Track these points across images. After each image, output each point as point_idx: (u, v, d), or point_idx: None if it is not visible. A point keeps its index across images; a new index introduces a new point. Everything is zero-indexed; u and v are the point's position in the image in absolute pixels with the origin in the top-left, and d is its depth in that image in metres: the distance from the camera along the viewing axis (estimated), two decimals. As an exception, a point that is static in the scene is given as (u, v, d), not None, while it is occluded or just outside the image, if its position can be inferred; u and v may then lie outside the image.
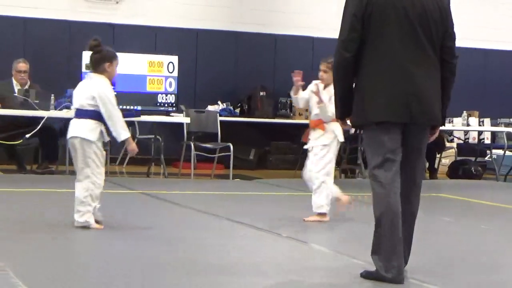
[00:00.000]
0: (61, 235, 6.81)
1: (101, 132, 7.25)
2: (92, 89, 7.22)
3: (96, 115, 7.19)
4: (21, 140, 11.97)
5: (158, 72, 13.07)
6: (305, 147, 8.33)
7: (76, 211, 7.12)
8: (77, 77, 12.67)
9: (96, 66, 7.33)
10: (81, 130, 7.18)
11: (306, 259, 6.35)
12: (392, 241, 5.15)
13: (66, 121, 12.63)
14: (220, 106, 15.20)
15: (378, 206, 5.20)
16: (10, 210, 8.29)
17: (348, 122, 5.51)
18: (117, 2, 15.18)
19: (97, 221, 7.16)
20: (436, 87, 5.33)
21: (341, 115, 5.48)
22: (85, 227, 7.05)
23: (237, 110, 15.46)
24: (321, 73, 8.18)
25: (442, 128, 16.74)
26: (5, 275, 5.04)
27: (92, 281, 5.10)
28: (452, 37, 5.41)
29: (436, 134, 5.58)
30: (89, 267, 5.63)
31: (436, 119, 5.39)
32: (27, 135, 11.80)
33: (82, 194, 7.11)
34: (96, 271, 5.46)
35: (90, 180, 7.14)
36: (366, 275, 5.36)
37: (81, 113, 7.24)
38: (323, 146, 8.09)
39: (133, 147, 7.47)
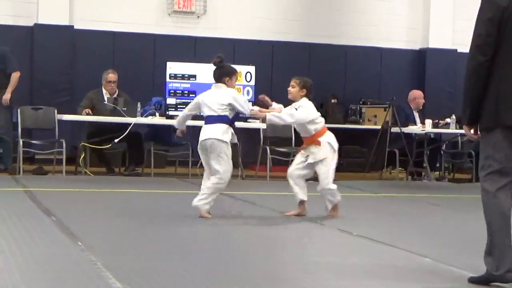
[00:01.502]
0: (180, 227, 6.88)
1: (232, 134, 7.75)
2: (224, 98, 7.80)
3: (227, 119, 7.79)
4: (110, 145, 12.12)
5: (237, 81, 13.05)
6: (308, 161, 8.24)
7: (199, 195, 7.75)
8: (162, 87, 12.87)
9: (218, 80, 8.00)
10: (216, 132, 7.74)
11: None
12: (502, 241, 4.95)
13: (151, 127, 12.85)
14: (294, 113, 15.16)
15: (488, 212, 5.02)
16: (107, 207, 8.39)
17: (471, 131, 5.20)
18: (198, 17, 15.28)
19: (208, 212, 7.71)
20: None
21: (470, 121, 5.15)
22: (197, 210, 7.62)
23: (310, 116, 15.41)
24: (289, 88, 8.44)
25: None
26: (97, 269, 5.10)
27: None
28: None
29: None
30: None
31: None
32: (116, 140, 11.95)
33: (209, 184, 7.70)
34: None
35: (219, 175, 7.70)
36: (475, 280, 5.11)
37: (214, 119, 7.82)
38: (323, 160, 8.12)
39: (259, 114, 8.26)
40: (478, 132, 5.15)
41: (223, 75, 7.95)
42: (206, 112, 7.93)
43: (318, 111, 15.17)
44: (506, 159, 5.01)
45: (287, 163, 13.25)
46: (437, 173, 14.29)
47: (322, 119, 8.34)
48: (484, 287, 4.98)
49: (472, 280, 5.10)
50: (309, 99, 8.25)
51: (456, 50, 15.84)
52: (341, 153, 15.33)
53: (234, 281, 4.96)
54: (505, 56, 4.99)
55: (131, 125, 11.92)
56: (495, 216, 4.98)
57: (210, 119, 7.85)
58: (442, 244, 6.90)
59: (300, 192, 8.14)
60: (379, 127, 14.28)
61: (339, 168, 15.06)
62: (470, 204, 10.31)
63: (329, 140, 8.15)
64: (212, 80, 12.93)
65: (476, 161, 14.10)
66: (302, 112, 8.10)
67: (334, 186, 8.16)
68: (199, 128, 13.22)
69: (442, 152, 14.44)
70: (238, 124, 12.86)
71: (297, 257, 6.11)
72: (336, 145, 8.26)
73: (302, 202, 8.17)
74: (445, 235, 7.39)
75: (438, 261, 5.91)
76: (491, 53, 4.98)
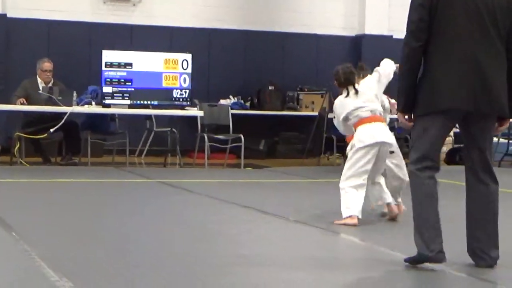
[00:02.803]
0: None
1: None
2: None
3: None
4: (45, 134, 11.98)
5: (173, 69, 13.04)
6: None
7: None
8: (98, 75, 12.74)
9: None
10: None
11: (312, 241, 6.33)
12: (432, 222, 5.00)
13: (87, 116, 12.73)
14: (231, 100, 15.19)
15: (416, 194, 5.04)
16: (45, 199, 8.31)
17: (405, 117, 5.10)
18: (134, 5, 15.15)
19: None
20: (502, 77, 5.00)
21: (404, 108, 5.11)
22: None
23: (248, 104, 15.45)
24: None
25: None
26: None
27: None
28: None
29: (506, 126, 5.20)
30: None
31: (503, 110, 5.02)
32: (52, 130, 11.82)
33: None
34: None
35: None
36: (410, 260, 5.13)
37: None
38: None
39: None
40: (412, 119, 5.10)
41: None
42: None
43: (255, 98, 15.43)
44: (436, 143, 5.03)
45: (225, 151, 13.34)
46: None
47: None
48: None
49: (407, 260, 5.15)
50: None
51: (392, 36, 15.96)
52: (278, 139, 15.56)
53: (172, 271, 4.94)
54: (438, 42, 4.97)
55: (67, 115, 11.79)
56: (423, 198, 5.02)
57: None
58: (382, 228, 6.97)
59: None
60: (316, 113, 14.37)
61: (276, 155, 15.27)
62: (406, 187, 10.45)
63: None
64: (149, 68, 12.96)
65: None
66: None
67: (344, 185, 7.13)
68: (138, 116, 13.29)
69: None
70: (175, 111, 12.93)
71: (234, 246, 6.12)
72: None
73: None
74: (382, 218, 7.45)
75: (378, 245, 5.97)
76: (424, 38, 4.97)
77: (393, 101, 7.46)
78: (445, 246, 5.00)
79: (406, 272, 5.09)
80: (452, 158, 15.05)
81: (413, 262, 5.10)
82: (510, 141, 15.11)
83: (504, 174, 13.32)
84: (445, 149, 15.40)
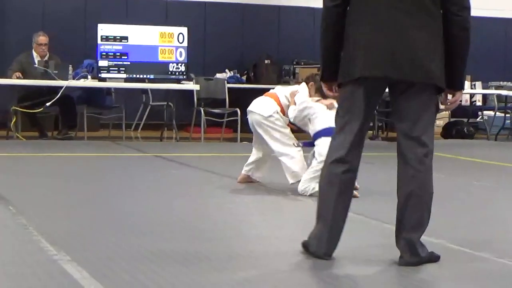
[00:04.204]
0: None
1: None
2: None
3: None
4: (41, 109, 11.98)
5: (169, 42, 13.00)
6: None
7: None
8: (93, 49, 12.70)
9: None
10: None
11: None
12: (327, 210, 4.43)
13: (83, 90, 12.71)
14: (227, 74, 15.17)
15: (328, 174, 4.42)
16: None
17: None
18: (129, -22, 15.09)
19: None
20: (433, 41, 4.30)
21: (324, 77, 4.54)
22: None
23: (244, 77, 15.45)
24: None
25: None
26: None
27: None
28: None
29: (456, 98, 4.47)
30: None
31: (432, 77, 4.30)
32: (48, 104, 11.81)
33: None
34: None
35: None
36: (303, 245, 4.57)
37: None
38: None
39: None
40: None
41: None
42: None
43: (252, 71, 15.39)
44: (352, 117, 4.37)
45: (221, 125, 13.34)
46: (370, 132, 14.44)
47: None
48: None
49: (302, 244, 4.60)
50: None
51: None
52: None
53: (171, 243, 4.96)
54: (355, 2, 4.39)
55: (63, 89, 11.77)
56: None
57: None
58: (373, 199, 6.98)
59: None
60: (313, 87, 14.33)
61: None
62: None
63: None
64: (145, 41, 12.92)
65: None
66: None
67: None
68: (135, 90, 13.28)
69: (375, 112, 14.56)
70: (171, 85, 12.91)
71: (232, 217, 6.14)
72: None
73: None
74: (376, 191, 7.46)
75: (370, 218, 5.98)
76: None
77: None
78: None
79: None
80: (449, 132, 15.06)
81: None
82: (507, 115, 15.13)
83: (500, 148, 13.42)
84: (441, 123, 15.42)
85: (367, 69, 4.31)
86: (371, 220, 5.93)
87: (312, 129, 7.04)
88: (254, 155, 7.69)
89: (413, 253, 4.40)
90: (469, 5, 4.41)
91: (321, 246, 4.46)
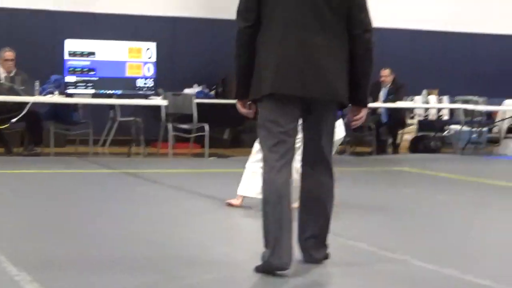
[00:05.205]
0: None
1: None
2: None
3: None
4: (7, 125, 11.88)
5: (137, 58, 12.99)
6: None
7: None
8: (61, 64, 12.64)
9: None
10: None
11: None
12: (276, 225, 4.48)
13: (51, 106, 12.63)
14: (196, 89, 15.15)
15: (264, 189, 4.52)
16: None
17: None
18: (97, -7, 15.06)
19: None
20: (338, 60, 4.55)
21: (237, 94, 4.71)
22: None
23: (212, 93, 15.43)
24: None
25: (404, 105, 16.36)
26: None
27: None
28: (362, 7, 4.62)
29: (360, 115, 4.74)
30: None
31: (337, 94, 4.56)
32: (13, 120, 11.73)
33: None
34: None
35: None
36: (257, 269, 4.59)
37: None
38: None
39: None
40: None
41: None
42: None
43: (220, 86, 15.37)
44: (270, 133, 4.53)
45: (189, 140, 13.31)
46: (340, 146, 14.45)
47: None
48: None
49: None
50: None
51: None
52: (243, 128, 15.53)
53: (134, 263, 4.92)
54: (266, 22, 4.58)
55: (29, 105, 11.70)
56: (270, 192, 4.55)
57: None
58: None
59: None
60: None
61: (240, 144, 15.26)
62: (369, 176, 10.51)
63: None
64: (113, 57, 12.89)
65: (376, 134, 14.36)
66: None
67: None
68: (102, 106, 13.20)
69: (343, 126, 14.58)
70: (139, 101, 12.87)
71: (197, 235, 6.12)
72: None
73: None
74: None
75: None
76: (253, 18, 4.59)
77: None
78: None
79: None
80: (416, 146, 15.13)
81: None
82: (473, 129, 15.23)
83: (467, 162, 13.50)
84: (409, 137, 15.50)
85: (276, 87, 4.49)
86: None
87: None
88: None
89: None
90: (371, 27, 4.65)
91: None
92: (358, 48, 4.61)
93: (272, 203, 4.48)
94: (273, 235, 4.47)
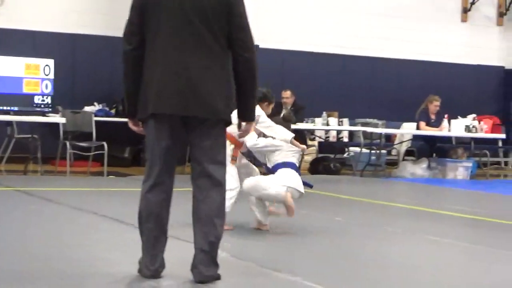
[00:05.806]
0: None
1: None
2: None
3: None
4: None
5: (34, 74, 12.73)
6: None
7: None
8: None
9: None
10: None
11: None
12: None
13: None
14: (96, 107, 14.94)
15: (139, 205, 4.89)
16: None
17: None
18: (-5, 7, 14.72)
19: None
20: (217, 78, 4.77)
21: (128, 113, 4.98)
22: None
23: (113, 111, 15.23)
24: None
25: (304, 127, 16.53)
26: None
27: None
28: (242, 28, 4.82)
29: (247, 128, 5.04)
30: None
31: (217, 112, 4.77)
32: None
33: None
34: None
35: None
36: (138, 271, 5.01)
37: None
38: None
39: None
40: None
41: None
42: None
43: (121, 105, 15.17)
44: (153, 151, 4.84)
45: (88, 158, 13.08)
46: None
47: None
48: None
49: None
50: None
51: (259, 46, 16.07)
52: (143, 147, 15.33)
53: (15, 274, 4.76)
54: (149, 44, 4.81)
55: None
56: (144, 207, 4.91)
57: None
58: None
59: None
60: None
61: (141, 162, 15.07)
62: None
63: None
64: (9, 73, 12.60)
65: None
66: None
67: None
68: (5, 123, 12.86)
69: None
70: (36, 118, 12.60)
71: (89, 255, 5.97)
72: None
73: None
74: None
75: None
76: (136, 41, 4.81)
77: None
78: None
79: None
80: (316, 167, 15.20)
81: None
82: (372, 151, 15.41)
83: (366, 184, 13.62)
84: (309, 158, 15.58)
85: (157, 107, 4.72)
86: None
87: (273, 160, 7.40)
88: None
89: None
90: (253, 47, 4.86)
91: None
92: (240, 67, 4.83)
93: (144, 219, 4.84)
94: (144, 247, 4.86)
